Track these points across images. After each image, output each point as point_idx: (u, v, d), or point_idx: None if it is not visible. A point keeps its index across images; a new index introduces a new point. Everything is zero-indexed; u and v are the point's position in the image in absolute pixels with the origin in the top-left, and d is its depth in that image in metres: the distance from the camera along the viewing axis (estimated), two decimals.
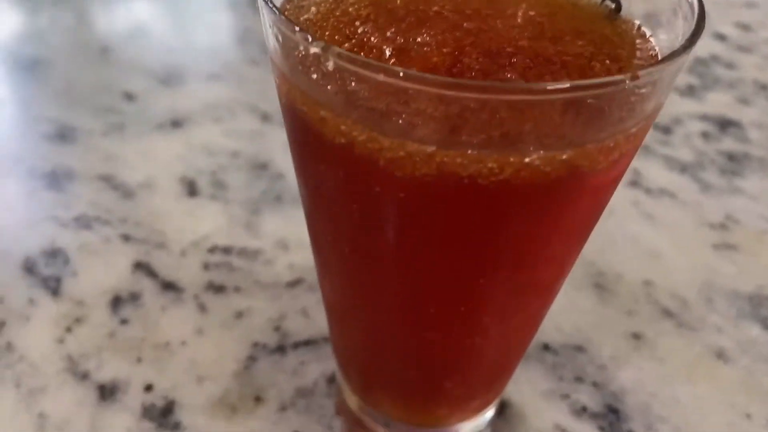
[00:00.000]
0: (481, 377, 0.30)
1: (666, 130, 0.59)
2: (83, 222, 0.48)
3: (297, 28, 0.20)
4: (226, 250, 0.46)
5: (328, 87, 0.20)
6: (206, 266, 0.45)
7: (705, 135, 0.59)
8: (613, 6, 0.28)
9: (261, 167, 0.53)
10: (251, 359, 0.40)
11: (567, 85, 0.18)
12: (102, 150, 0.54)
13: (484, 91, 0.18)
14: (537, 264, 0.24)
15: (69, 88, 0.60)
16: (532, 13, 0.27)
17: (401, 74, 0.18)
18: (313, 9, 0.26)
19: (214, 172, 0.52)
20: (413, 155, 0.20)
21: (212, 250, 0.46)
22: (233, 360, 0.40)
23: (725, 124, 0.60)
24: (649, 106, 0.21)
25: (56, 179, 0.51)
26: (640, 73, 0.19)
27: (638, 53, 0.26)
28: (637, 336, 0.43)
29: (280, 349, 0.40)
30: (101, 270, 0.45)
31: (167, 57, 0.64)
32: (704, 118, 0.60)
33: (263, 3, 0.21)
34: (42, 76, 0.62)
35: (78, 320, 0.42)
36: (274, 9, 0.20)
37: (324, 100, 0.21)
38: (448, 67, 0.23)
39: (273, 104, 0.59)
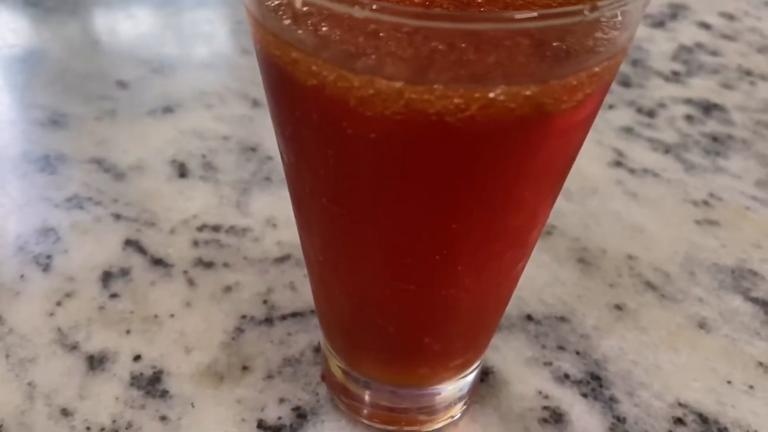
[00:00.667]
0: (460, 333, 0.31)
1: (650, 113, 0.60)
2: (75, 202, 0.48)
3: None
4: (216, 228, 0.47)
5: (299, 30, 0.21)
6: (195, 243, 0.46)
7: (689, 118, 0.59)
8: None
9: (251, 150, 0.54)
10: (239, 330, 0.40)
11: (524, 15, 0.19)
12: (94, 134, 0.54)
13: (449, 19, 0.19)
14: (507, 208, 0.25)
15: (62, 77, 0.61)
16: None
17: (371, 6, 0.19)
18: None
19: (204, 155, 0.53)
20: (382, 93, 0.21)
21: (201, 228, 0.47)
22: (221, 331, 0.40)
23: (709, 108, 0.61)
24: (612, 44, 0.22)
25: (49, 162, 0.52)
26: (600, 3, 0.20)
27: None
28: (619, 307, 0.43)
29: (268, 320, 0.41)
30: (92, 247, 0.45)
31: (160, 47, 0.65)
32: (688, 102, 0.61)
33: None
34: (36, 66, 0.63)
35: (68, 295, 0.42)
36: None
37: (295, 42, 0.22)
38: (419, 4, 0.24)
39: (263, 91, 0.60)
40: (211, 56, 0.64)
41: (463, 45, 0.20)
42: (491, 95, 0.21)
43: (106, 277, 0.44)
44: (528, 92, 0.21)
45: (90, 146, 0.53)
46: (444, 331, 0.30)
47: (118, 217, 0.48)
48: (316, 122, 0.23)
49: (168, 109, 0.57)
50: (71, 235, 0.46)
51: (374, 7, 0.19)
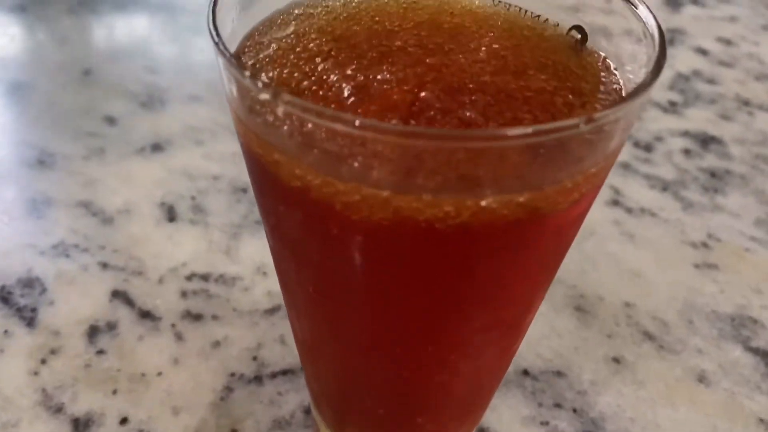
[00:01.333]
0: (454, 413, 0.30)
1: (647, 147, 0.59)
2: (61, 250, 0.47)
3: (247, 73, 0.20)
4: (204, 277, 0.46)
5: (281, 131, 0.20)
6: (184, 294, 0.45)
7: (686, 152, 0.59)
8: (579, 37, 0.28)
9: (241, 191, 0.53)
10: (228, 389, 0.40)
11: (518, 132, 0.18)
12: (82, 175, 0.53)
13: (434, 138, 0.18)
14: (502, 305, 0.24)
15: (50, 112, 0.60)
16: (495, 46, 0.27)
17: (354, 123, 0.18)
18: (274, 46, 0.26)
19: (194, 197, 0.52)
20: (368, 199, 0.20)
21: (190, 277, 0.46)
22: (210, 390, 0.39)
23: (707, 141, 0.60)
24: (608, 146, 0.21)
25: (35, 206, 0.51)
26: (596, 116, 0.19)
27: (602, 87, 0.26)
28: (617, 360, 0.42)
29: (257, 379, 0.40)
30: (78, 299, 0.44)
31: (149, 78, 0.64)
32: (686, 134, 0.60)
33: (215, 46, 0.21)
34: (24, 99, 0.62)
35: (53, 351, 0.41)
36: (225, 52, 0.20)
37: (278, 143, 0.21)
38: (407, 105, 0.23)
39: None
40: (202, 89, 0.63)
41: (453, 156, 0.19)
42: (483, 203, 0.20)
43: (93, 331, 0.43)
44: (522, 198, 0.20)
45: (77, 188, 0.52)
46: (437, 411, 0.29)
47: (105, 265, 0.47)
48: (301, 220, 0.22)
49: (157, 147, 0.56)
50: (57, 285, 0.45)
51: (357, 123, 0.18)
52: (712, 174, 0.56)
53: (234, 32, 0.26)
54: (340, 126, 0.18)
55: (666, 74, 0.68)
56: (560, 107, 0.24)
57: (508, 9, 0.29)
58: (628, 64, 0.26)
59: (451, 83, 0.24)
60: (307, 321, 0.28)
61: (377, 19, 0.28)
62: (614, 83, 0.25)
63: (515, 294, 0.24)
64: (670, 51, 0.71)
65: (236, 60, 0.21)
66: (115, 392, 0.39)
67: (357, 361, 0.27)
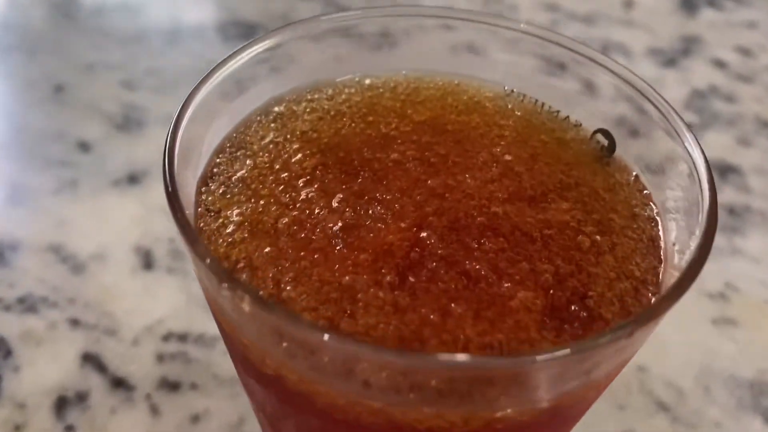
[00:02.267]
0: None
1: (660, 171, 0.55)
2: (28, 304, 0.44)
3: (209, 261, 0.16)
4: (182, 337, 0.42)
5: (251, 323, 0.16)
6: (160, 357, 0.41)
7: None
8: (606, 143, 0.24)
9: None
10: None
11: (536, 359, 0.14)
12: (52, 214, 0.49)
13: (437, 366, 0.15)
14: None
15: (19, 136, 0.56)
16: (508, 158, 0.23)
17: (334, 342, 0.14)
18: (249, 163, 0.22)
19: (171, 239, 0.48)
20: (356, 406, 0.16)
21: (167, 336, 0.42)
22: None
23: (725, 171, 0.56)
24: (625, 353, 0.18)
25: (1, 252, 0.47)
26: (627, 332, 0.15)
27: (635, 224, 0.22)
28: None
29: None
30: (46, 363, 0.41)
31: (126, 96, 0.59)
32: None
33: (180, 235, 0.17)
34: None
35: (18, 428, 0.38)
36: (184, 227, 0.16)
37: (249, 332, 0.17)
38: (405, 251, 0.19)
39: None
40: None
41: (460, 379, 0.15)
42: (499, 414, 0.16)
43: (61, 403, 0.39)
44: (544, 404, 0.16)
45: (48, 229, 0.48)
46: None
47: (75, 323, 0.43)
48: (278, 403, 0.19)
49: (133, 179, 0.52)
50: (23, 347, 0.42)
51: (337, 343, 0.14)
52: (731, 210, 0.53)
53: (206, 142, 0.22)
54: (317, 341, 0.15)
55: (681, 91, 0.63)
56: (586, 252, 0.20)
57: (522, 100, 0.25)
58: (665, 185, 0.22)
59: (457, 216, 0.21)
60: None
61: (370, 119, 0.24)
62: (648, 215, 0.22)
63: None
64: (687, 63, 0.67)
65: (203, 210, 0.17)
66: None
67: None
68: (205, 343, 0.42)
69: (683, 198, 0.21)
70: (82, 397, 0.39)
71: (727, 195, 0.54)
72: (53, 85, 0.60)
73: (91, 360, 0.41)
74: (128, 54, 0.63)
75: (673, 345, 0.44)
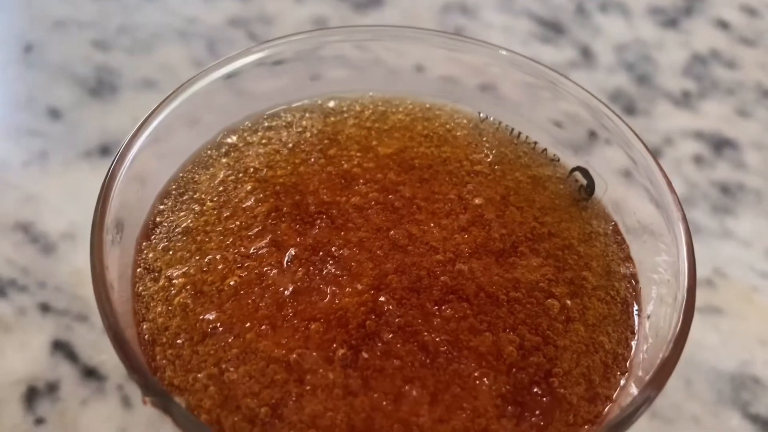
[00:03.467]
0: None
1: (656, 152, 0.53)
2: None
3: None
4: None
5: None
6: None
7: (698, 160, 0.53)
8: (584, 183, 0.23)
9: None
10: None
11: None
12: (21, 188, 0.47)
13: None
14: None
15: None
16: (478, 201, 0.21)
17: None
18: (195, 208, 0.21)
19: None
20: None
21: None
22: None
23: (721, 144, 0.54)
24: None
25: None
26: None
27: (609, 282, 0.20)
28: None
29: None
30: (15, 353, 0.40)
31: (98, 57, 0.56)
32: (699, 136, 0.54)
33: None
34: None
35: None
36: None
37: None
38: (360, 320, 0.18)
39: (219, 114, 0.53)
40: (157, 69, 0.56)
41: None
42: None
43: (31, 394, 0.39)
44: None
45: (17, 205, 0.47)
46: None
47: (45, 308, 0.42)
48: None
49: (106, 150, 0.50)
50: None
51: None
52: (724, 189, 0.51)
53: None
54: None
55: (680, 55, 0.61)
56: (554, 319, 0.19)
57: (497, 128, 0.23)
58: (641, 242, 0.21)
59: (419, 275, 0.19)
60: None
61: (331, 153, 0.22)
62: (623, 273, 0.20)
63: None
64: (688, 24, 0.64)
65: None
66: None
67: None
68: None
69: (665, 262, 0.20)
70: (52, 388, 0.39)
71: (720, 171, 0.52)
72: (22, 44, 0.57)
73: (62, 348, 0.40)
74: (100, 10, 0.60)
75: None
